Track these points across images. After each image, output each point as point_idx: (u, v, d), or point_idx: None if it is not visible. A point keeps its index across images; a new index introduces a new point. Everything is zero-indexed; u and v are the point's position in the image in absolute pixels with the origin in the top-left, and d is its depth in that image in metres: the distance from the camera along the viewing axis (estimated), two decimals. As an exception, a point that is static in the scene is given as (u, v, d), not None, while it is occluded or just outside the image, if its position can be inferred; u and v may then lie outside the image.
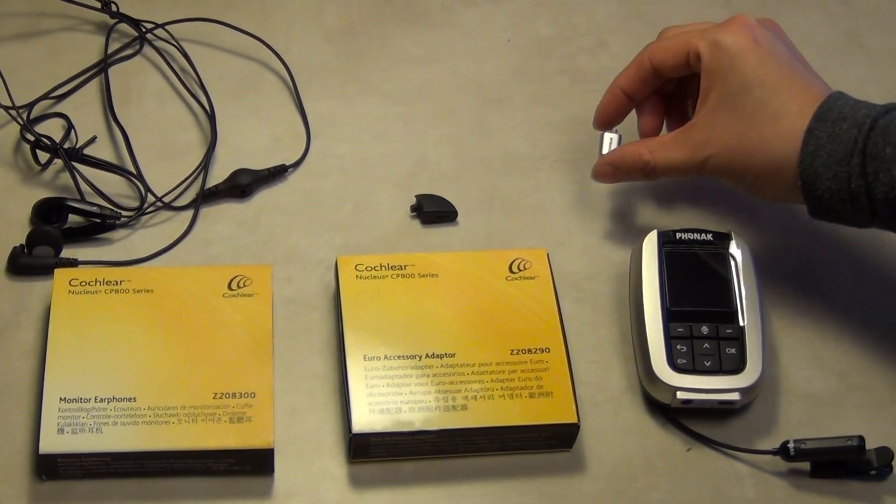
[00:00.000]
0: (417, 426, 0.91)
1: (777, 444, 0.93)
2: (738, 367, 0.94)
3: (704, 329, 0.96)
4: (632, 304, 1.00)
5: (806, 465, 0.93)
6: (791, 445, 0.92)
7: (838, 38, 1.21)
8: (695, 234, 1.01)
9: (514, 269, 0.99)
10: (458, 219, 1.06)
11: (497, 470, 0.93)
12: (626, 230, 1.06)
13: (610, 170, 1.02)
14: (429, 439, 0.91)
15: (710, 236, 1.01)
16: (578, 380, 0.95)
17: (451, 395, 0.92)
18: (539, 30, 1.20)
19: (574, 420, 0.92)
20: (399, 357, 0.94)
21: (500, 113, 1.13)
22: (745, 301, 0.97)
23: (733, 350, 0.95)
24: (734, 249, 1.00)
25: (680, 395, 0.93)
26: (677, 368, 0.94)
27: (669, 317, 0.96)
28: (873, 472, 0.93)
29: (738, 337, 0.96)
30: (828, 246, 1.05)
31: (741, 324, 0.96)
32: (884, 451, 0.93)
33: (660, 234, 1.00)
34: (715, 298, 0.98)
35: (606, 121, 1.04)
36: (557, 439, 0.93)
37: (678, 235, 1.00)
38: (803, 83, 0.95)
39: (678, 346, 0.95)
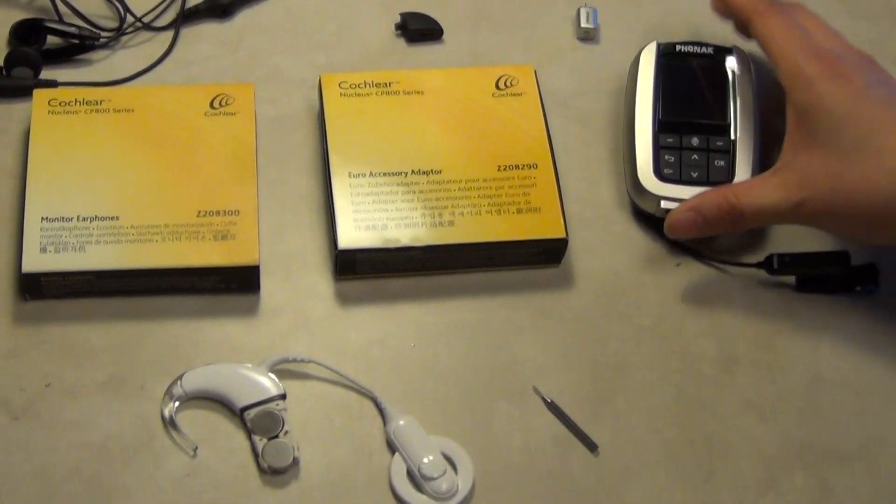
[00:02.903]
0: (404, 242, 0.90)
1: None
2: (725, 179, 0.93)
3: (695, 140, 0.95)
4: (624, 114, 0.99)
5: (791, 280, 0.93)
6: (775, 258, 0.92)
7: None
8: (695, 47, 0.99)
9: (501, 85, 0.97)
10: (444, 37, 1.04)
11: (485, 285, 0.92)
12: (618, 47, 1.04)
13: (693, 217, 0.90)
14: (416, 255, 0.90)
15: (710, 50, 0.99)
16: (567, 196, 0.94)
17: (438, 212, 0.91)
18: None
19: (562, 235, 0.91)
20: (384, 174, 0.92)
21: (485, -71, 1.11)
22: (740, 115, 0.96)
23: (722, 163, 0.94)
24: (734, 64, 0.98)
25: (664, 204, 0.93)
26: (664, 178, 0.93)
27: (660, 127, 0.95)
28: (858, 289, 0.93)
29: (729, 150, 0.94)
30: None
31: (732, 137, 0.95)
32: (869, 268, 0.93)
33: (659, 45, 0.99)
34: (708, 111, 0.96)
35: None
36: (546, 255, 0.92)
37: (678, 48, 0.99)
38: None
39: (666, 157, 0.94)
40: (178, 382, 0.86)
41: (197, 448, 0.84)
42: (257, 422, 0.85)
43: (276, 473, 0.84)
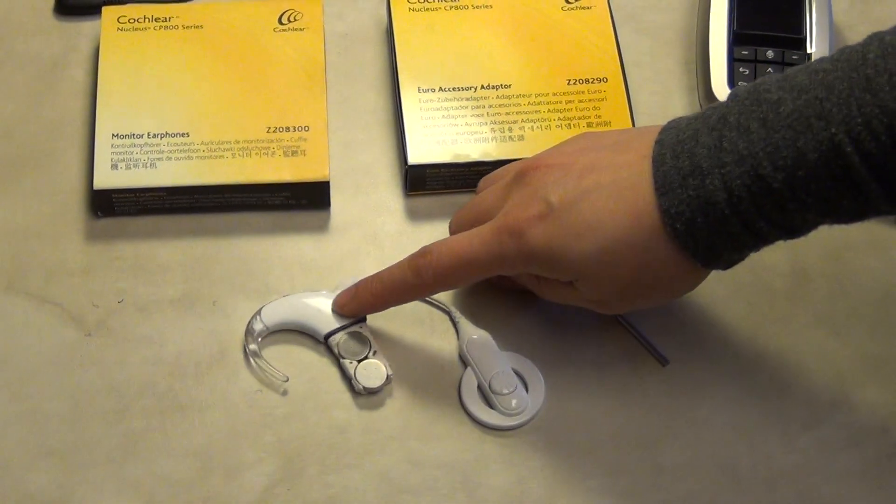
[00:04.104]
0: (474, 157, 0.90)
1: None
2: None
3: (770, 53, 0.93)
4: (698, 26, 0.97)
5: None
6: None
7: None
8: None
9: (570, -2, 0.97)
10: (513, -50, 1.03)
11: (555, 201, 0.92)
12: (687, -42, 1.03)
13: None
14: (486, 171, 0.89)
15: None
16: (637, 110, 0.93)
17: (508, 126, 0.91)
18: None
19: (633, 149, 0.91)
20: (454, 89, 0.92)
21: None
22: (816, 29, 0.94)
23: None
24: None
25: None
26: None
27: (735, 39, 0.94)
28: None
29: None
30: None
31: (809, 51, 0.94)
32: None
33: None
34: (784, 24, 0.95)
35: None
36: (616, 169, 0.92)
37: None
38: None
39: (741, 69, 0.93)
40: (258, 317, 0.85)
41: (288, 379, 0.84)
42: (345, 346, 0.84)
43: (371, 394, 0.84)
